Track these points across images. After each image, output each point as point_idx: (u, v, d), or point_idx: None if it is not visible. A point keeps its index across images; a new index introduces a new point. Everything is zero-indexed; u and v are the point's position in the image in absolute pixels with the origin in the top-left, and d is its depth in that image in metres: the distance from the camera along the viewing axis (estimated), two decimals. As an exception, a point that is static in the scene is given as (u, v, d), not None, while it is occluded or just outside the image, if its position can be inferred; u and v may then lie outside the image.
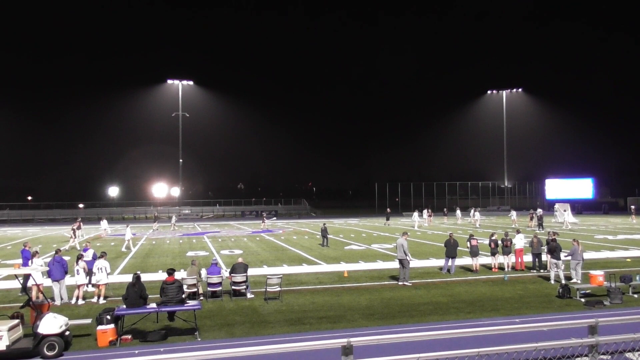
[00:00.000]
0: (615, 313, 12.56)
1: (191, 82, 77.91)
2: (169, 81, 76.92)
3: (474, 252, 18.96)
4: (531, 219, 41.80)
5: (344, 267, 20.55)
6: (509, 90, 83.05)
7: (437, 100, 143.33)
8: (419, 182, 79.82)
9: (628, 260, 21.75)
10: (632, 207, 49.21)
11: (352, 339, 3.49)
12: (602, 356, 4.09)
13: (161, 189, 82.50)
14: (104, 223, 38.10)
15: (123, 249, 28.11)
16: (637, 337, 3.95)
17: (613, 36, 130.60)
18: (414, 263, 19.49)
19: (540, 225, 38.64)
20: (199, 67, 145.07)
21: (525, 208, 60.66)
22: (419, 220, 44.23)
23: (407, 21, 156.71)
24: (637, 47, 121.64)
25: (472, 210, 46.32)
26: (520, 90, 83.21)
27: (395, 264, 17.70)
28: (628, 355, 8.24)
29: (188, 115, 77.32)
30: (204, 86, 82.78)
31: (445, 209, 54.50)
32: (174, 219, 48.66)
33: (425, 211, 48.94)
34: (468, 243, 19.45)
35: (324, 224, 30.86)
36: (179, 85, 76.93)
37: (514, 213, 44.85)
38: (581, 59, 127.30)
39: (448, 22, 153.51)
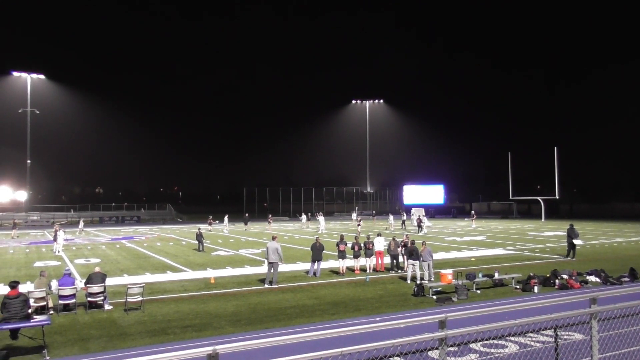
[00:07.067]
0: (461, 308, 13.83)
1: (42, 76, 71.15)
2: (15, 73, 69.43)
3: (341, 256, 19.69)
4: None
5: (210, 273, 20.13)
6: (372, 100, 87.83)
7: (305, 109, 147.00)
8: (287, 187, 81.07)
9: (472, 259, 24.09)
10: (472, 212, 54.65)
11: (217, 347, 3.41)
12: (450, 348, 4.46)
13: (4, 193, 74.31)
14: None
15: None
16: (479, 329, 4.38)
17: (463, 55, 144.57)
18: (282, 267, 19.65)
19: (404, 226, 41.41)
20: (50, 59, 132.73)
21: (385, 212, 64.46)
22: (307, 223, 45.87)
23: (276, 25, 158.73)
24: (481, 65, 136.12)
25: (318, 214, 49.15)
26: (381, 101, 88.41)
27: (263, 269, 17.75)
28: (472, 345, 9.13)
29: (38, 112, 70.43)
30: (57, 81, 76.07)
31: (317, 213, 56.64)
32: (81, 224, 45.09)
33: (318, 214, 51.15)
34: (337, 247, 20.16)
35: (199, 229, 30.37)
36: (27, 79, 69.82)
37: (391, 217, 47.81)
38: (434, 75, 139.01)
39: (316, 31, 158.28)
